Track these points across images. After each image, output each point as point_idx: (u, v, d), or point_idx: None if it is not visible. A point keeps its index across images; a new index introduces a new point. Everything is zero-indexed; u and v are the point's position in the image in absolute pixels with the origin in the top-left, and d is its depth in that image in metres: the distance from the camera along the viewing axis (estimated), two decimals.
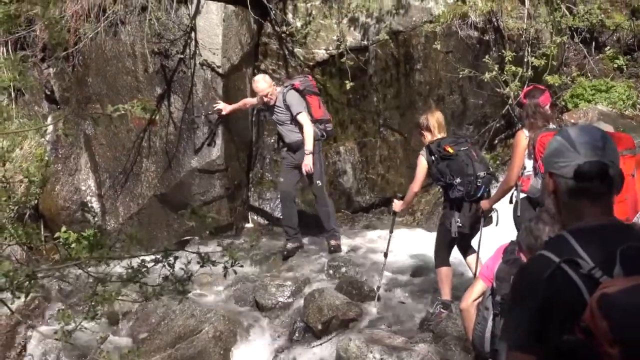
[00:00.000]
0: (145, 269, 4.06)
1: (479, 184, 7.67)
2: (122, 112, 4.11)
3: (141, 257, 4.08)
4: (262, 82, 9.81)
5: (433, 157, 7.76)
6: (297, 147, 9.74)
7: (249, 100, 10.63)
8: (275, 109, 9.81)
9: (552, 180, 2.72)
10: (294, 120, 9.67)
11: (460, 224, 7.76)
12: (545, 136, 6.94)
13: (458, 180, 7.59)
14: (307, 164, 9.51)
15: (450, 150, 7.65)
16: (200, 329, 8.17)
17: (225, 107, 10.46)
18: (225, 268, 4.12)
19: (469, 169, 7.61)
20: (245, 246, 10.24)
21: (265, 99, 9.75)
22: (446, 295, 8.02)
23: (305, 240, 10.32)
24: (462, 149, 7.69)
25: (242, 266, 4.23)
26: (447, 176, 7.64)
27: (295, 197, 10.19)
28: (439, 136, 7.89)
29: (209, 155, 10.83)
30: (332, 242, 9.76)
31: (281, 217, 10.34)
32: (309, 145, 9.53)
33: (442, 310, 7.95)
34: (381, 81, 11.29)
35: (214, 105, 10.55)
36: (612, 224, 2.67)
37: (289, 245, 10.04)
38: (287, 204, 10.02)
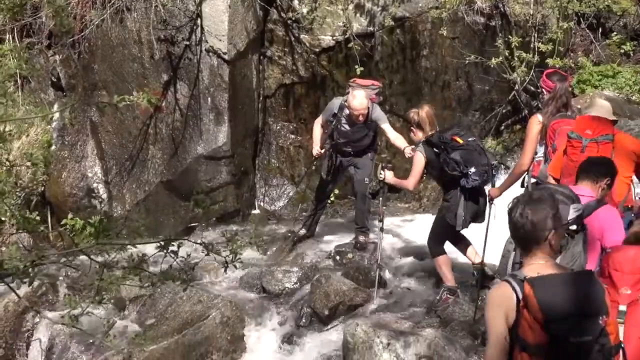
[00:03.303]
0: (147, 258, 4.08)
1: (494, 172, 7.71)
2: (128, 102, 4.12)
3: (145, 244, 4.09)
4: (364, 100, 8.94)
5: (437, 150, 7.71)
6: (351, 155, 9.50)
7: (320, 129, 9.50)
8: (359, 127, 9.21)
9: None
10: (369, 133, 9.35)
11: (464, 217, 7.76)
12: (557, 123, 6.88)
13: (473, 169, 7.54)
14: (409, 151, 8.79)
15: (460, 141, 7.62)
16: (208, 315, 8.19)
17: (318, 151, 9.43)
18: (226, 262, 4.12)
19: (483, 159, 7.64)
20: (250, 233, 10.26)
21: (361, 116, 9.02)
22: (450, 281, 8.04)
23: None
24: (469, 139, 7.69)
25: (241, 262, 4.19)
26: (462, 166, 7.56)
27: None
28: (430, 133, 7.85)
29: (215, 141, 10.83)
30: (361, 238, 9.53)
31: (312, 209, 10.08)
32: (402, 142, 9.13)
33: (448, 295, 7.98)
34: (387, 67, 11.26)
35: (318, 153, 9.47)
36: None
37: (301, 232, 10.01)
38: (322, 203, 10.01)
